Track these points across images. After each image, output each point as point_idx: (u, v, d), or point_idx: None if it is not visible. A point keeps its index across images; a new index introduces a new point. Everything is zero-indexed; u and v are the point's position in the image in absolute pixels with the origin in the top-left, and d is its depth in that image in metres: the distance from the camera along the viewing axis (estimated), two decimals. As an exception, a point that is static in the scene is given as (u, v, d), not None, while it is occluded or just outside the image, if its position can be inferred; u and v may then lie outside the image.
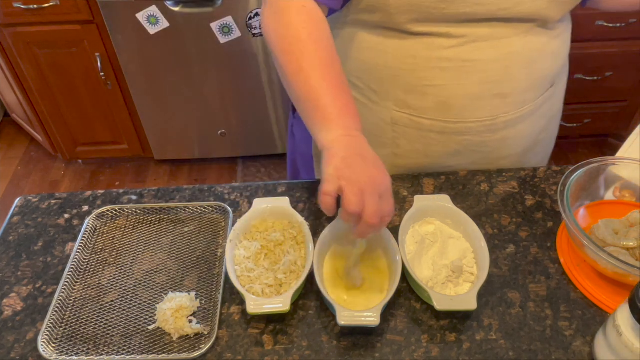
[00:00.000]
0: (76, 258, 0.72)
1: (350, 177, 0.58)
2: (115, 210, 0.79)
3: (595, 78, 1.89)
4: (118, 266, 0.72)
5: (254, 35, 1.76)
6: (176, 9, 1.68)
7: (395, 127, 0.82)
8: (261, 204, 0.73)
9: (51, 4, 1.67)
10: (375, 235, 0.69)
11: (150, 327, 0.65)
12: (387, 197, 0.59)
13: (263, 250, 0.69)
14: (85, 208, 0.81)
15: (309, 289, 0.68)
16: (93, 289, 0.69)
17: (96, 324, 0.65)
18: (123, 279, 0.70)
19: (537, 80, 0.79)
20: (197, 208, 0.79)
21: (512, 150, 0.85)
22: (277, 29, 0.68)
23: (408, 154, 0.85)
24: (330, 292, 0.65)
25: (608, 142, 2.25)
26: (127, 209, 0.79)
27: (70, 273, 0.70)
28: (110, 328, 0.65)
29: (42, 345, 0.62)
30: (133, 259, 0.73)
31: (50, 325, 0.64)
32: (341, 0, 0.72)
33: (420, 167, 0.86)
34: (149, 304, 0.67)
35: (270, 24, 0.69)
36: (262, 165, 2.26)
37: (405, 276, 0.68)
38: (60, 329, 0.65)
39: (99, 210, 0.79)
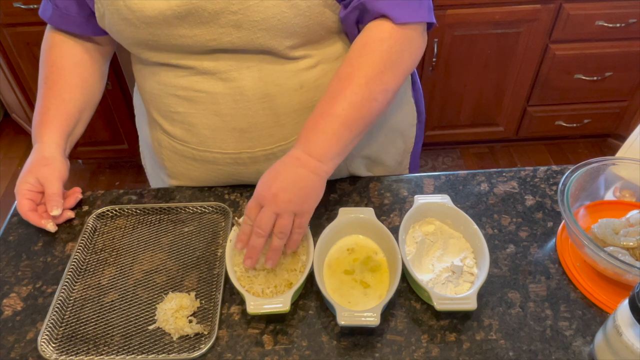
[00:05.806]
0: (76, 258, 0.72)
1: None
2: (115, 210, 0.79)
3: (595, 78, 1.89)
4: (118, 266, 0.72)
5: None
6: (176, 9, 1.68)
7: (161, 149, 0.84)
8: (261, 204, 0.73)
9: (51, 4, 1.67)
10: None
11: (150, 327, 0.65)
12: None
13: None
14: (85, 208, 0.81)
15: (309, 289, 0.68)
16: (93, 289, 0.69)
17: (96, 324, 0.65)
18: (123, 279, 0.70)
19: (285, 116, 0.74)
20: (197, 208, 0.79)
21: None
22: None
23: (178, 176, 0.86)
24: (331, 292, 0.65)
25: (608, 142, 2.25)
26: (127, 209, 0.79)
27: (70, 273, 0.70)
28: (110, 328, 0.65)
29: (42, 345, 0.62)
30: (133, 259, 0.73)
31: (50, 325, 0.64)
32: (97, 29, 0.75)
33: None
34: (149, 304, 0.67)
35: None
36: (262, 165, 2.26)
37: (405, 276, 0.68)
38: (60, 329, 0.65)
39: (99, 210, 0.79)
